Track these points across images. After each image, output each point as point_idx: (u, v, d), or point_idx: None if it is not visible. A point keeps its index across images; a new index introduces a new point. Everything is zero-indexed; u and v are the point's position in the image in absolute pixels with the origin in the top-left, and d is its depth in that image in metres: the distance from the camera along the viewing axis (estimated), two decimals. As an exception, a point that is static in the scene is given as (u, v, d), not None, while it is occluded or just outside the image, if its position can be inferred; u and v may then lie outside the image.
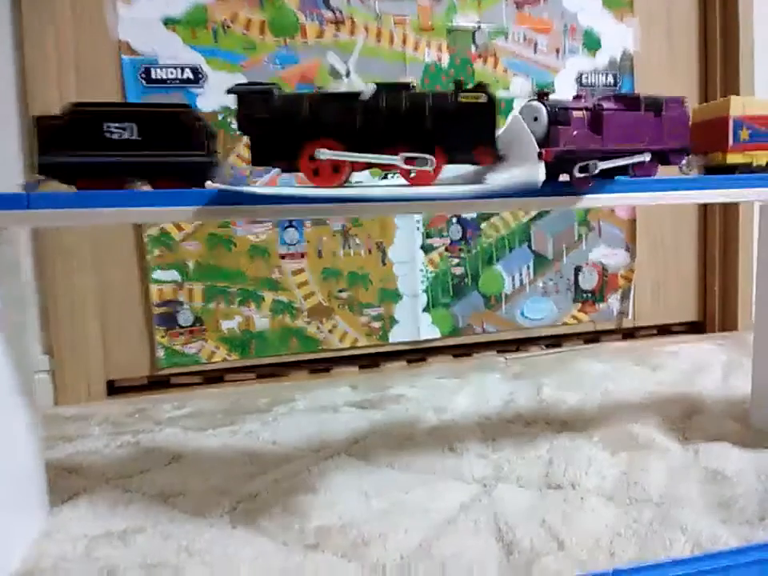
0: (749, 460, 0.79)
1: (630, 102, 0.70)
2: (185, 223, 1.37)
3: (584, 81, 1.57)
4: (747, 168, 0.76)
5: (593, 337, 1.69)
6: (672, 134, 0.71)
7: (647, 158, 0.69)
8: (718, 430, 0.90)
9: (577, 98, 0.70)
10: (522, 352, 1.57)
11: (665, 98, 0.71)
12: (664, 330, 1.75)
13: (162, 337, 1.39)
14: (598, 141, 0.66)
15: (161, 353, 1.39)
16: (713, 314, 1.70)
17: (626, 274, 1.67)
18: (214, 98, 1.36)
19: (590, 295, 1.64)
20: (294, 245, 1.45)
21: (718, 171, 0.78)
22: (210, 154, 0.67)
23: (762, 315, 0.93)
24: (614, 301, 1.66)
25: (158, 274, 1.37)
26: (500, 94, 1.51)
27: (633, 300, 1.67)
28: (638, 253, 1.66)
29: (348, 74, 1.43)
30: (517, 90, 1.52)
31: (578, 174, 0.66)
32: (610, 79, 1.59)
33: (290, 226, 1.44)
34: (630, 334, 1.72)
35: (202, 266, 1.39)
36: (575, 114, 0.66)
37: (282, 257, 1.44)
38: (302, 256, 1.45)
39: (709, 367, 1.26)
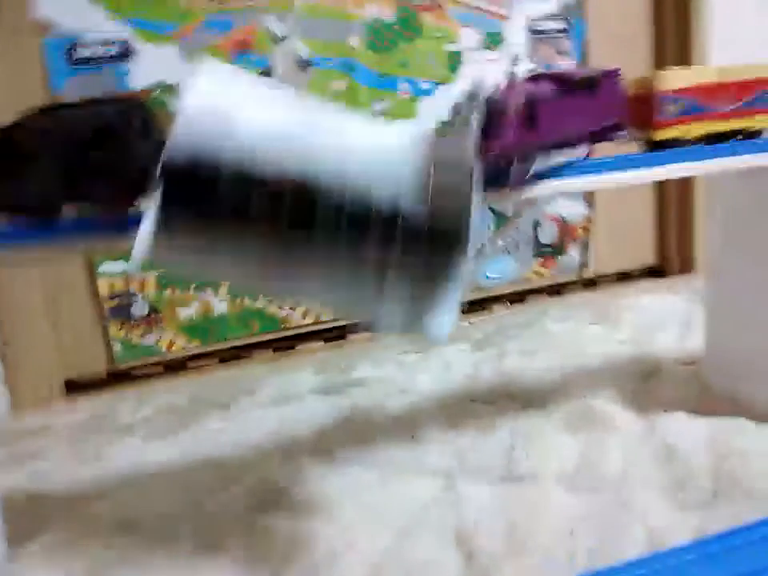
0: (701, 430, 0.81)
1: (564, 82, 0.66)
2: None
3: (535, 28, 1.51)
4: (677, 143, 0.75)
5: (555, 289, 1.70)
6: (607, 111, 0.68)
7: (585, 151, 0.67)
8: (673, 396, 0.92)
9: (509, 87, 0.66)
10: (487, 312, 1.57)
11: (599, 74, 0.68)
12: (625, 276, 1.76)
13: (118, 330, 1.35)
14: (533, 135, 0.63)
15: (117, 347, 1.35)
16: (671, 258, 1.72)
17: (585, 224, 1.66)
18: (147, 73, 1.28)
19: (549, 249, 1.64)
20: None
21: (656, 145, 0.76)
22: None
23: (711, 283, 0.93)
24: (573, 253, 1.66)
25: (106, 266, 1.32)
26: (448, 47, 1.45)
27: (592, 250, 1.67)
28: (596, 202, 1.65)
29: (288, 37, 1.35)
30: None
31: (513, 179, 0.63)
32: (563, 25, 1.53)
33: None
34: (591, 282, 1.73)
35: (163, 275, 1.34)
36: (508, 117, 0.62)
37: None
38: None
39: (666, 320, 1.28)
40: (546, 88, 0.65)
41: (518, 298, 1.66)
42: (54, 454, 0.98)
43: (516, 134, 0.62)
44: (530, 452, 0.80)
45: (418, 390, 1.07)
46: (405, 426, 0.93)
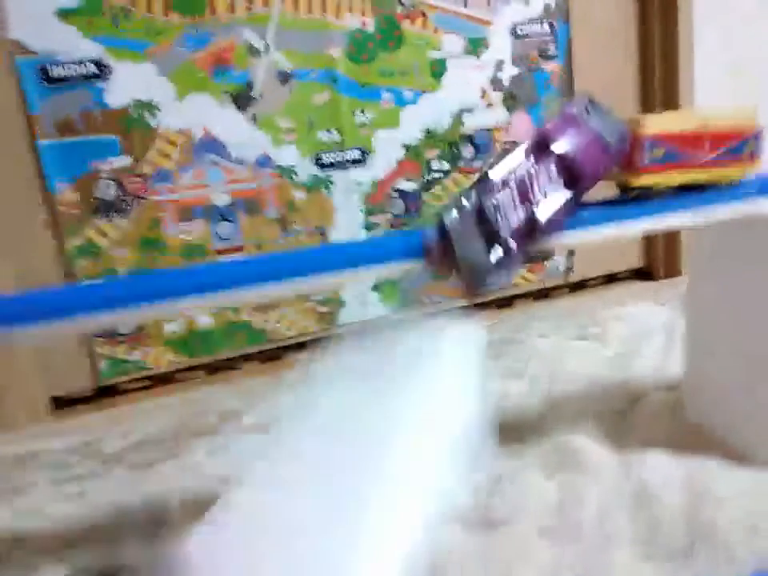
0: (678, 472, 0.82)
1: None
2: (111, 230, 1.30)
3: (519, 32, 1.48)
4: (654, 191, 0.74)
5: (543, 293, 1.70)
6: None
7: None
8: (653, 429, 0.93)
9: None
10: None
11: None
12: (611, 278, 1.76)
13: (103, 347, 1.35)
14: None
15: (103, 364, 1.36)
16: (658, 261, 1.72)
17: (572, 229, 1.65)
18: (123, 91, 1.25)
19: (537, 254, 1.64)
20: (230, 239, 1.39)
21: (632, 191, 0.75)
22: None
23: (691, 314, 0.93)
24: (560, 257, 1.66)
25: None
26: (431, 54, 1.43)
27: (578, 253, 1.67)
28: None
29: (267, 51, 1.32)
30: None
31: None
32: (546, 28, 1.50)
33: (223, 219, 1.38)
34: (578, 285, 1.73)
35: (136, 269, 1.33)
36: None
37: (219, 252, 1.39)
38: (240, 249, 1.40)
39: (650, 335, 1.28)
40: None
41: (506, 302, 1.67)
42: (39, 489, 0.99)
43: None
44: (507, 497, 0.81)
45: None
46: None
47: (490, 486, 0.84)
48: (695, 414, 0.93)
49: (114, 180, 1.26)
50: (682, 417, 0.94)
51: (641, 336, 1.29)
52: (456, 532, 0.77)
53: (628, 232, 0.74)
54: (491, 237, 0.63)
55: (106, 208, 1.27)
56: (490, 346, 1.35)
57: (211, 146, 1.31)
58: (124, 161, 1.26)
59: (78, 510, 0.93)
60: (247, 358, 1.48)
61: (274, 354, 1.50)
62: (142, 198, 1.29)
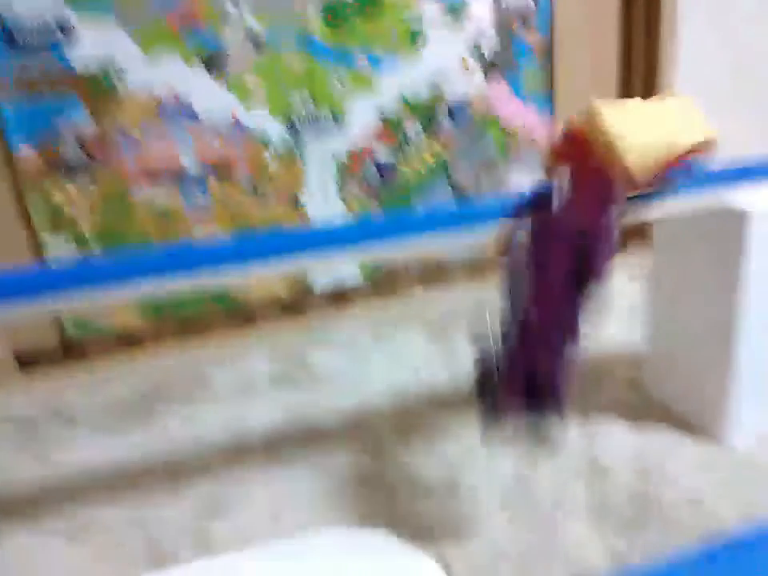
0: (636, 447, 0.84)
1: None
2: (76, 193, 1.27)
3: (501, 1, 1.45)
4: None
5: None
6: None
7: None
8: (613, 404, 0.95)
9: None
10: (444, 286, 1.58)
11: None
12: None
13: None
14: None
15: (69, 324, 1.34)
16: (630, 231, 1.73)
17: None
18: (87, 52, 1.21)
19: (510, 224, 1.64)
20: (200, 203, 1.37)
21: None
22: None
23: (653, 290, 0.95)
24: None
25: (53, 245, 1.29)
26: (408, 18, 1.39)
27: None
28: (560, 177, 1.64)
29: (239, 11, 1.28)
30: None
31: None
32: (529, 1, 1.47)
33: (193, 184, 1.35)
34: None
35: (104, 234, 1.31)
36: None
37: (190, 217, 1.37)
38: (210, 215, 1.38)
39: (616, 310, 1.31)
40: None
41: (478, 268, 1.67)
42: (5, 454, 0.99)
43: None
44: (470, 471, 0.83)
45: (368, 385, 1.09)
46: (353, 431, 0.96)
47: (457, 456, 0.86)
48: (655, 389, 0.96)
49: (78, 142, 1.23)
50: (642, 392, 0.97)
51: (607, 310, 1.31)
52: (418, 502, 0.79)
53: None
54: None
55: (70, 170, 1.24)
56: (455, 315, 1.36)
57: (179, 108, 1.28)
58: (88, 123, 1.22)
59: (45, 471, 0.94)
60: (217, 320, 1.47)
61: (245, 316, 1.50)
62: (107, 160, 1.26)
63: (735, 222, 0.77)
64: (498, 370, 0.67)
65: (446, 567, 0.65)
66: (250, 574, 0.62)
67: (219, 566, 0.65)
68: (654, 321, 0.97)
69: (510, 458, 0.85)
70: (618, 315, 1.28)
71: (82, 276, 0.70)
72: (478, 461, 0.85)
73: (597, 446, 0.86)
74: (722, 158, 0.84)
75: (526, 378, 0.65)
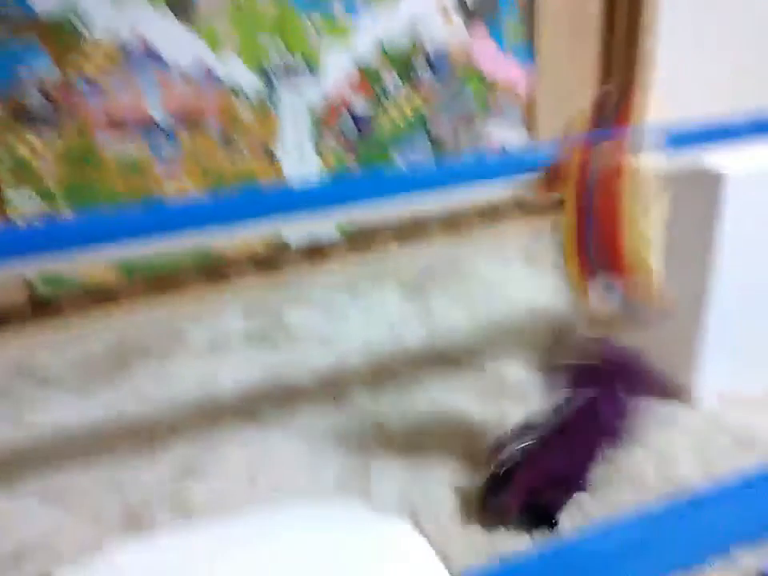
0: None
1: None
2: (40, 144, 1.22)
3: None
4: None
5: (492, 211, 1.71)
6: None
7: None
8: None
9: None
10: (420, 240, 1.57)
11: None
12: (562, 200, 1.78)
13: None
14: None
15: (38, 281, 1.32)
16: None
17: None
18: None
19: (488, 178, 1.62)
20: (169, 155, 1.33)
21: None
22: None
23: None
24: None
25: (18, 201, 1.25)
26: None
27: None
28: (540, 131, 1.62)
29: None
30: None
31: None
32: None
33: (161, 135, 1.31)
34: (528, 206, 1.74)
35: (70, 188, 1.27)
36: None
37: (158, 170, 1.33)
38: (180, 167, 1.34)
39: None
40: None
41: (454, 224, 1.67)
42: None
43: None
44: (438, 427, 0.85)
45: (343, 342, 1.10)
46: (328, 388, 0.96)
47: (426, 411, 0.88)
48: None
49: (41, 92, 1.17)
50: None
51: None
52: (391, 458, 0.80)
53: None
54: None
55: (34, 122, 1.19)
56: (432, 271, 1.36)
57: (146, 55, 1.22)
58: (51, 70, 1.17)
59: (17, 433, 0.93)
60: (191, 276, 1.46)
61: (219, 272, 1.48)
62: (72, 110, 1.21)
63: (711, 184, 0.77)
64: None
65: (421, 529, 0.66)
66: (225, 551, 0.63)
67: (192, 539, 0.66)
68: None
69: (483, 410, 0.87)
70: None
71: (49, 236, 0.68)
72: (450, 418, 0.87)
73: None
74: (699, 120, 0.83)
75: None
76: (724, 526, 0.63)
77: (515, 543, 0.66)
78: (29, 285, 1.31)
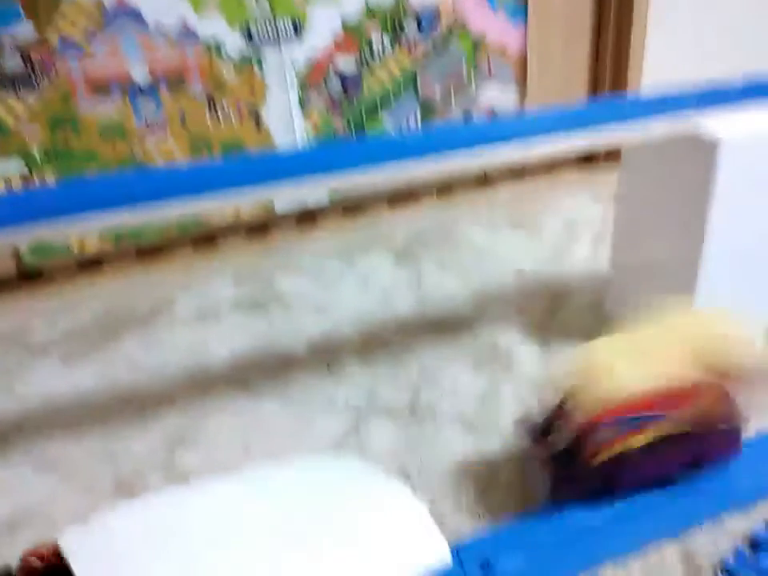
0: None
1: None
2: (19, 106, 1.18)
3: None
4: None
5: (484, 179, 1.69)
6: None
7: None
8: (576, 327, 0.97)
9: None
10: (411, 206, 1.56)
11: None
12: (555, 163, 1.76)
13: (23, 232, 1.28)
14: None
15: (24, 247, 1.29)
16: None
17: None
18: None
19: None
20: (153, 118, 1.29)
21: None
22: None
23: (620, 217, 0.95)
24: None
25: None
26: None
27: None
28: (529, 93, 1.59)
29: None
30: None
31: None
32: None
33: (144, 96, 1.27)
34: (521, 170, 1.73)
35: (51, 152, 1.24)
36: None
37: (141, 133, 1.29)
38: (164, 130, 1.31)
39: (583, 230, 1.32)
40: None
41: (445, 187, 1.65)
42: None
43: None
44: (433, 391, 0.85)
45: (335, 310, 1.09)
46: (321, 355, 0.96)
47: (418, 378, 0.88)
48: (616, 313, 0.98)
49: (18, 50, 1.13)
50: (603, 315, 0.99)
51: (574, 230, 1.32)
52: (384, 424, 0.81)
53: (568, 147, 0.73)
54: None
55: (11, 81, 1.15)
56: (423, 237, 1.35)
57: (125, 12, 1.18)
58: (28, 29, 1.12)
59: (7, 403, 0.93)
60: (179, 240, 1.44)
61: (208, 239, 1.47)
62: (51, 70, 1.17)
63: (705, 149, 0.76)
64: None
65: (412, 488, 0.67)
66: (222, 499, 0.63)
67: (190, 492, 0.67)
68: (617, 244, 0.97)
69: (475, 377, 0.87)
70: (584, 237, 1.29)
71: (33, 203, 0.66)
72: (442, 383, 0.87)
73: (556, 366, 0.89)
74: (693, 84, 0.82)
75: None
76: (714, 491, 0.65)
77: (505, 508, 0.67)
78: (16, 254, 1.29)
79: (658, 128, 0.74)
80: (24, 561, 0.56)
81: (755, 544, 0.59)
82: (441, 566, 0.58)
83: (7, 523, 0.71)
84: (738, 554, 0.58)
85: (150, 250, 1.42)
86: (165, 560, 0.55)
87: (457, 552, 0.60)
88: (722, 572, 0.57)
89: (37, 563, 0.55)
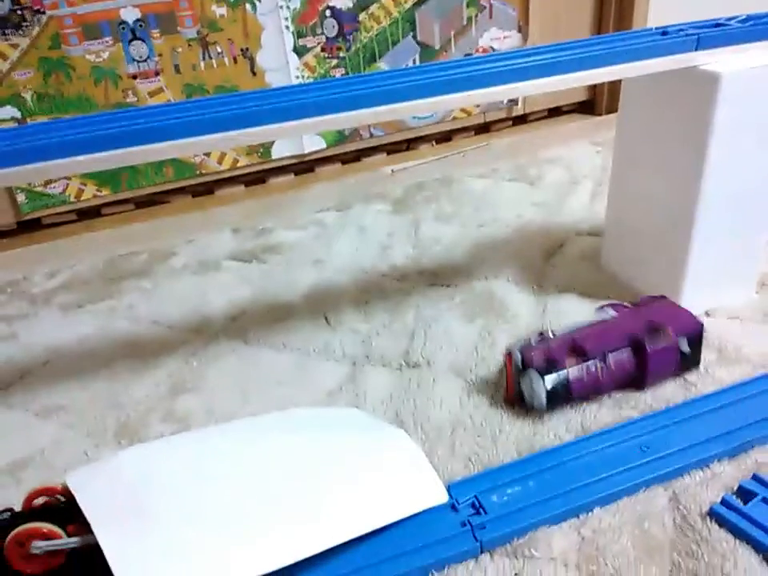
0: (586, 318, 0.87)
1: None
2: (9, 50, 1.15)
3: None
4: None
5: (484, 128, 1.66)
6: None
7: None
8: (571, 277, 0.97)
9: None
10: (410, 158, 1.54)
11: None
12: (555, 111, 1.73)
13: (19, 180, 1.27)
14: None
15: (22, 197, 1.29)
16: (600, 95, 1.68)
17: (518, 58, 1.57)
18: None
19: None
20: (145, 61, 1.26)
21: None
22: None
23: (618, 167, 0.94)
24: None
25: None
26: None
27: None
28: (531, 34, 1.55)
29: None
30: None
31: None
32: None
33: (135, 38, 1.24)
34: (521, 119, 1.70)
35: (44, 96, 1.21)
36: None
37: (134, 77, 1.27)
38: (157, 74, 1.28)
39: (582, 179, 1.30)
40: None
41: (444, 137, 1.63)
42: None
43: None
44: (427, 341, 0.86)
45: (332, 260, 1.09)
46: (318, 305, 0.97)
47: (414, 328, 0.89)
48: (611, 262, 0.98)
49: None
50: (597, 265, 0.99)
51: (573, 180, 1.31)
52: (380, 371, 0.82)
53: (567, 84, 0.71)
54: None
55: (1, 26, 1.12)
56: (421, 188, 1.34)
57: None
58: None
59: (10, 350, 0.94)
60: (177, 192, 1.43)
61: (205, 189, 1.45)
62: (40, 12, 1.14)
63: (706, 83, 0.74)
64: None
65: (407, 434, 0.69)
66: (222, 448, 0.65)
67: (192, 439, 0.68)
68: (614, 191, 0.96)
69: (470, 326, 0.88)
70: (583, 186, 1.28)
71: (23, 146, 0.64)
72: (437, 332, 0.88)
73: (548, 314, 0.89)
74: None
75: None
76: (704, 436, 0.66)
77: (497, 455, 0.68)
78: (14, 205, 1.28)
79: (659, 63, 0.72)
80: (28, 500, 0.57)
81: (744, 492, 0.60)
82: (437, 504, 0.60)
83: (11, 467, 0.73)
84: (726, 502, 0.59)
85: (148, 201, 1.41)
86: (171, 497, 0.56)
87: (449, 489, 0.62)
88: (710, 518, 0.59)
89: (40, 502, 0.57)
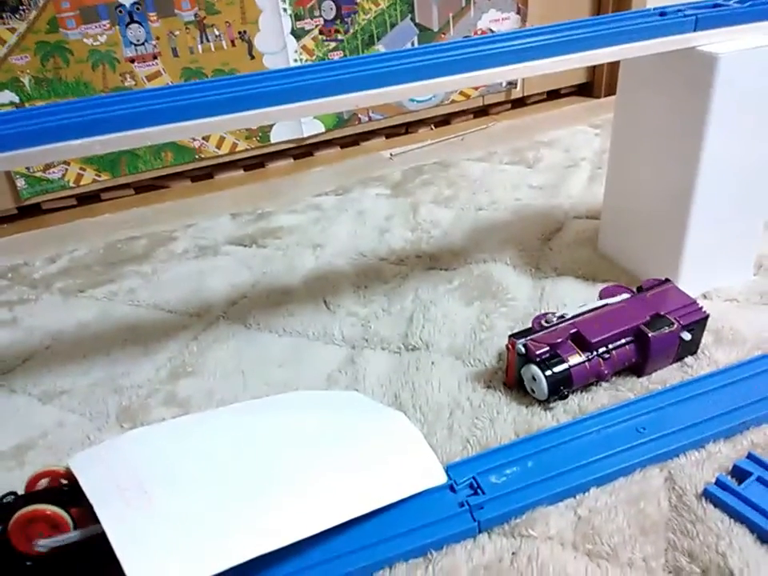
0: (583, 301, 0.87)
1: None
2: (5, 34, 1.14)
3: None
4: None
5: (482, 110, 1.66)
6: None
7: None
8: (569, 260, 0.97)
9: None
10: (409, 141, 1.53)
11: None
12: (553, 94, 1.72)
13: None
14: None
15: (21, 182, 1.29)
16: (600, 78, 1.67)
17: (518, 40, 1.56)
18: None
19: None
20: (142, 44, 1.26)
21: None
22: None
23: (616, 150, 0.93)
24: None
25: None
26: None
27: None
28: (530, 15, 1.54)
29: None
30: None
31: None
32: None
33: (132, 21, 1.23)
34: (520, 102, 1.69)
35: (42, 81, 1.21)
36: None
37: (131, 60, 1.26)
38: (155, 57, 1.27)
39: (580, 163, 1.30)
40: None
41: (443, 120, 1.62)
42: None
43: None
44: (426, 323, 0.86)
45: (331, 243, 1.09)
46: (317, 289, 0.97)
47: (413, 311, 0.89)
48: (608, 245, 0.98)
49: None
50: (595, 247, 0.99)
51: (572, 162, 1.30)
52: (379, 355, 0.82)
53: (565, 65, 0.71)
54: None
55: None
56: (419, 172, 1.34)
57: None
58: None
59: (12, 335, 0.94)
60: (176, 176, 1.42)
61: (204, 173, 1.45)
62: (36, -4, 1.13)
63: (704, 64, 0.74)
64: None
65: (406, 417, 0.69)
66: (223, 430, 0.66)
67: (193, 422, 0.69)
68: (612, 174, 0.96)
69: (469, 310, 0.88)
70: (582, 170, 1.27)
71: (20, 129, 0.64)
72: (436, 315, 0.88)
73: (546, 297, 0.89)
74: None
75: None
76: (700, 417, 0.67)
77: (495, 437, 0.69)
78: (14, 190, 1.28)
79: (657, 44, 0.72)
80: (30, 484, 0.58)
81: (739, 472, 0.61)
82: (436, 485, 0.60)
83: (14, 451, 0.74)
84: (721, 482, 0.60)
85: (148, 186, 1.41)
86: (173, 479, 0.57)
87: (447, 470, 0.62)
88: (705, 498, 0.59)
89: (43, 486, 0.58)
